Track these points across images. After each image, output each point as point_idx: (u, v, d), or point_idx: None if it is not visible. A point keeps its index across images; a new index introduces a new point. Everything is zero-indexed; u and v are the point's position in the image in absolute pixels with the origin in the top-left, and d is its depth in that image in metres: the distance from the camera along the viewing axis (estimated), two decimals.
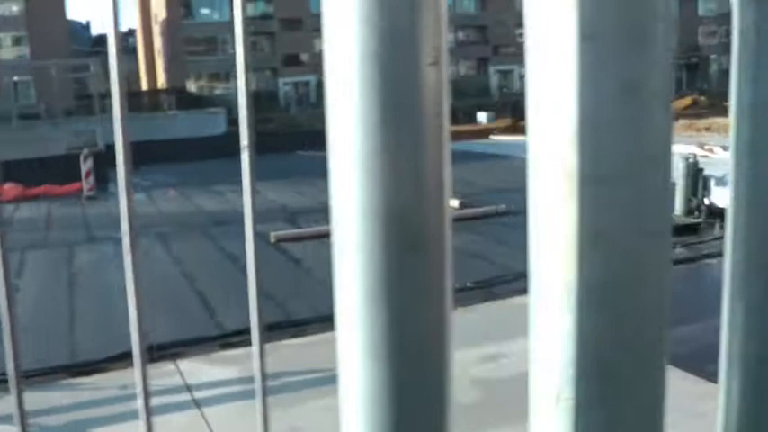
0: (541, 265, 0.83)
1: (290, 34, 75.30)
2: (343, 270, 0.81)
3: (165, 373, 9.02)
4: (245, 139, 0.89)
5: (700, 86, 68.72)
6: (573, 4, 0.75)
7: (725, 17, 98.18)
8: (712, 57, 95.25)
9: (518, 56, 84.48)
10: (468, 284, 10.09)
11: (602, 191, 0.78)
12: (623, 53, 0.76)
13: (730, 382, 1.00)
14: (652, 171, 0.79)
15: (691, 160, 15.32)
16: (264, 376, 0.96)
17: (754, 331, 0.96)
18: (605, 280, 0.80)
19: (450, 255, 0.81)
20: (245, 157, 0.89)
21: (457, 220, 14.93)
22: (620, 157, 0.77)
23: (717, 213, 16.30)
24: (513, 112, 56.79)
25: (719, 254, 13.22)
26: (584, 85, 0.76)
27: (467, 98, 51.75)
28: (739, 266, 0.96)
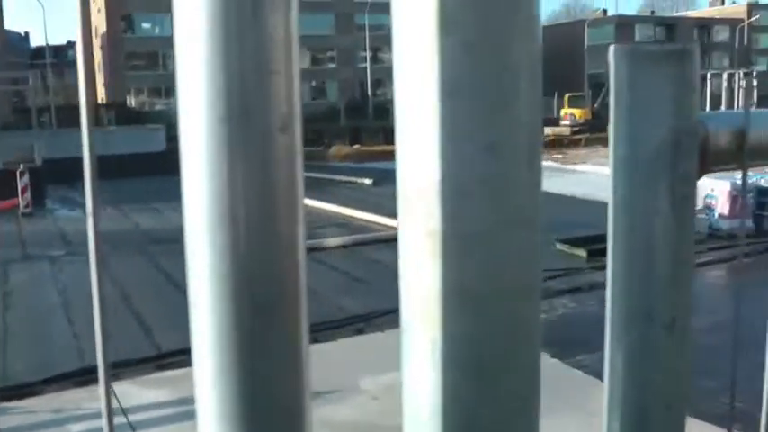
0: (410, 319, 0.83)
1: None
2: (196, 334, 0.80)
3: (101, 396, 8.84)
4: (89, 205, 0.88)
5: None
6: (435, 60, 0.75)
7: (661, 43, 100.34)
8: None
9: None
10: None
11: (465, 249, 0.78)
12: (485, 111, 0.76)
13: (612, 427, 1.01)
14: (517, 229, 0.79)
15: None
16: (111, 414, 0.95)
17: (632, 379, 0.98)
18: (470, 337, 0.80)
19: (306, 315, 0.81)
20: (90, 224, 0.87)
21: (394, 240, 15.00)
22: (482, 215, 0.78)
23: None
24: None
25: None
26: (446, 143, 0.76)
27: None
28: (619, 316, 0.98)
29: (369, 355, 10.43)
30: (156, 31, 63.50)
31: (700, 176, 0.98)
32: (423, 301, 0.80)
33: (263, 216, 0.77)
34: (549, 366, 9.88)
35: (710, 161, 0.99)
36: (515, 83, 0.77)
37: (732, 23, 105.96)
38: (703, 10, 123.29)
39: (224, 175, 0.76)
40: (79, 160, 0.85)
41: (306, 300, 0.80)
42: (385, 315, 11.28)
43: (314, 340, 11.19)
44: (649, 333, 0.96)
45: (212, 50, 0.76)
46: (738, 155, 1.03)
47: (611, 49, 0.92)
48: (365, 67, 68.67)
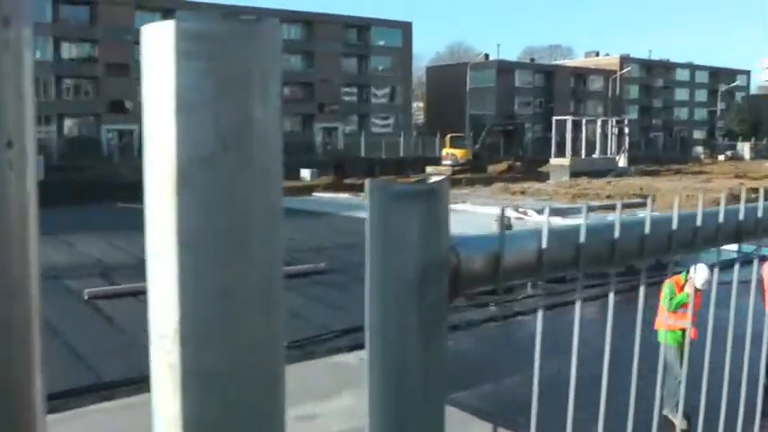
0: None
1: (115, 80, 73.24)
2: None
3: None
4: None
5: (515, 152, 72.46)
6: (172, 213, 0.81)
7: (539, 89, 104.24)
8: (527, 125, 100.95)
9: (343, 114, 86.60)
10: (285, 344, 10.04)
11: (203, 387, 0.83)
12: (219, 261, 0.82)
13: None
14: (254, 368, 0.85)
15: (505, 222, 16.10)
16: None
17: None
18: None
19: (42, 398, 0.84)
20: None
21: (291, 276, 14.87)
22: (218, 357, 0.83)
23: None
24: (336, 169, 57.88)
25: (531, 311, 13.67)
26: (183, 290, 0.82)
27: (291, 155, 52.00)
28: (376, 413, 1.04)
29: None
30: (37, 55, 61.55)
31: (453, 300, 1.06)
32: None
33: None
34: None
35: (464, 285, 1.07)
36: (248, 232, 0.83)
37: (606, 74, 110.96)
38: (579, 60, 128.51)
39: None
40: None
41: (43, 391, 0.83)
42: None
43: None
44: None
45: None
46: (495, 276, 1.10)
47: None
48: None
